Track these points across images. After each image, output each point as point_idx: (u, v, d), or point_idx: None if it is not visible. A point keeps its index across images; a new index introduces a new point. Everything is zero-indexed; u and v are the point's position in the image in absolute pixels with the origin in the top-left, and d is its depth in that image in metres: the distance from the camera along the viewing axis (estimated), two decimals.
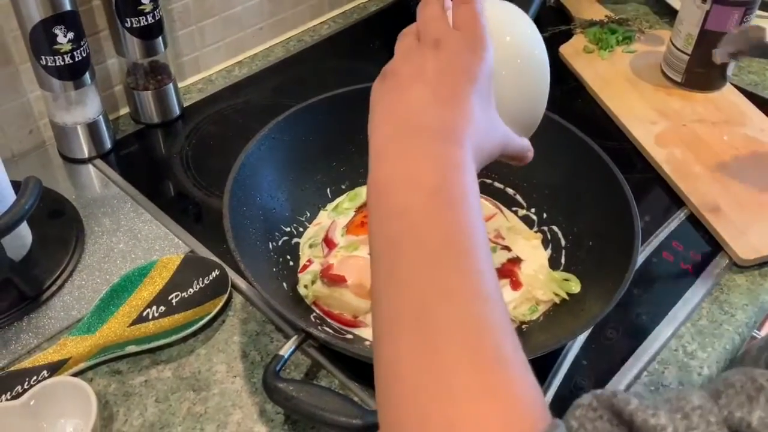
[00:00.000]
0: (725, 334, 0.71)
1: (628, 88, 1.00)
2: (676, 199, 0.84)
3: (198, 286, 0.71)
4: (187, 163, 0.87)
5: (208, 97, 0.98)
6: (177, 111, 0.93)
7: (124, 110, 0.94)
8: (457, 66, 0.45)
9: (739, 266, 0.77)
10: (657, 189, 0.86)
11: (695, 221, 0.81)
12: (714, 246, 0.78)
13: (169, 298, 0.70)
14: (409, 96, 0.45)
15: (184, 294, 0.70)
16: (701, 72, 0.97)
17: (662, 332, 0.70)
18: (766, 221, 0.80)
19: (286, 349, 0.56)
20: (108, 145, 0.87)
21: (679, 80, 0.99)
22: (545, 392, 0.63)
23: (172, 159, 0.88)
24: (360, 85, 0.80)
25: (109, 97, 0.92)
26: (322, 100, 0.78)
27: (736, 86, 0.99)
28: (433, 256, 0.38)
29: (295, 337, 0.57)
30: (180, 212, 0.81)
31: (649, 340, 0.69)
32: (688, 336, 0.70)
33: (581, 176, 0.75)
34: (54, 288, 0.71)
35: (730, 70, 0.97)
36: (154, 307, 0.69)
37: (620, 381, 0.66)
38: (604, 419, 0.32)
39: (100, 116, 0.85)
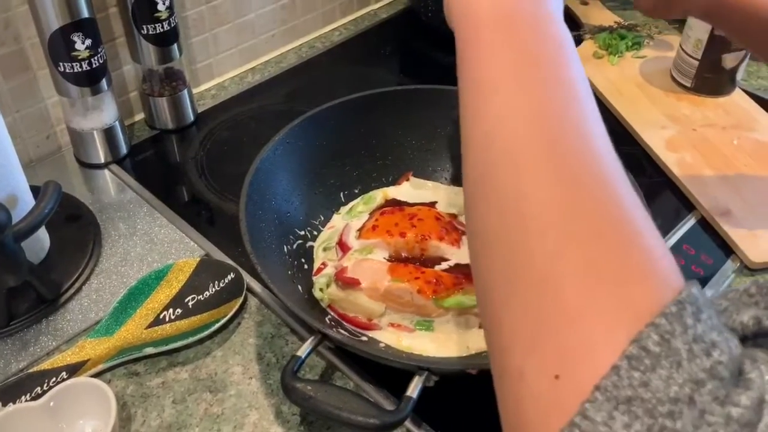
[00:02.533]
0: None
1: (638, 93, 1.00)
2: (686, 203, 0.84)
3: (214, 289, 0.72)
4: (201, 168, 0.88)
5: (222, 103, 0.99)
6: (191, 117, 0.94)
7: (140, 116, 0.95)
8: None
9: (750, 269, 0.77)
10: (668, 193, 0.86)
11: (706, 225, 0.82)
12: (725, 249, 0.79)
13: (186, 300, 0.71)
14: None
15: (200, 297, 0.71)
16: (711, 77, 0.97)
17: None
18: None
19: (303, 351, 0.57)
20: (124, 150, 0.88)
21: (688, 85, 0.99)
22: None
23: (186, 164, 0.89)
24: (371, 91, 0.82)
25: (125, 103, 0.93)
26: (335, 105, 0.79)
27: (745, 91, 1.00)
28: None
29: (312, 338, 0.58)
30: (195, 216, 0.82)
31: None
32: None
33: None
34: (72, 291, 0.72)
35: (740, 75, 0.98)
36: (171, 310, 0.70)
37: None
38: (760, 306, 0.30)
39: (116, 122, 0.86)
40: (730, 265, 0.77)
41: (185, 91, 0.92)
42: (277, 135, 0.75)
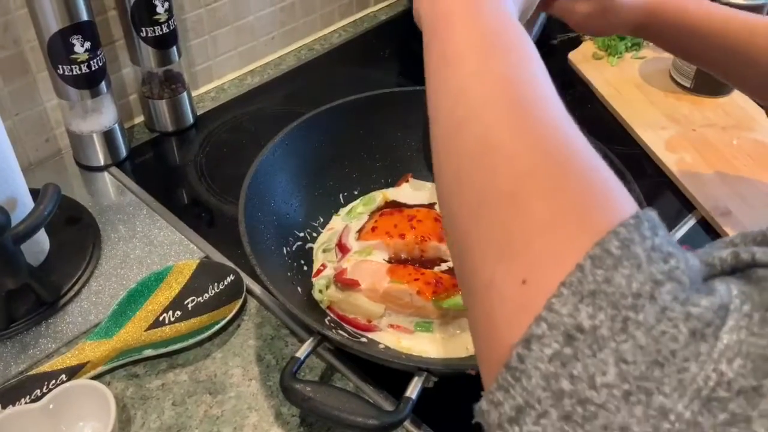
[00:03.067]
0: None
1: (638, 94, 1.00)
2: (686, 204, 0.84)
3: (213, 291, 0.72)
4: (201, 170, 0.88)
5: (221, 105, 0.99)
6: (191, 119, 0.94)
7: (139, 119, 0.95)
8: None
9: None
10: (667, 193, 0.86)
11: (706, 225, 0.82)
12: None
13: (185, 302, 0.71)
14: None
15: (200, 299, 0.71)
16: (710, 77, 0.97)
17: None
18: None
19: (302, 352, 0.57)
20: (123, 153, 0.89)
21: (688, 86, 0.99)
22: None
23: (186, 166, 0.89)
24: (370, 93, 0.82)
25: (125, 106, 0.93)
26: (334, 107, 0.79)
27: None
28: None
29: (311, 339, 0.58)
30: (194, 218, 0.82)
31: None
32: None
33: None
34: (72, 293, 0.72)
35: None
36: (171, 312, 0.70)
37: None
38: (739, 246, 0.32)
39: (116, 125, 0.86)
40: None
41: (184, 94, 0.92)
42: (276, 137, 0.75)
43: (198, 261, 0.74)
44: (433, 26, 0.45)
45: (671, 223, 0.82)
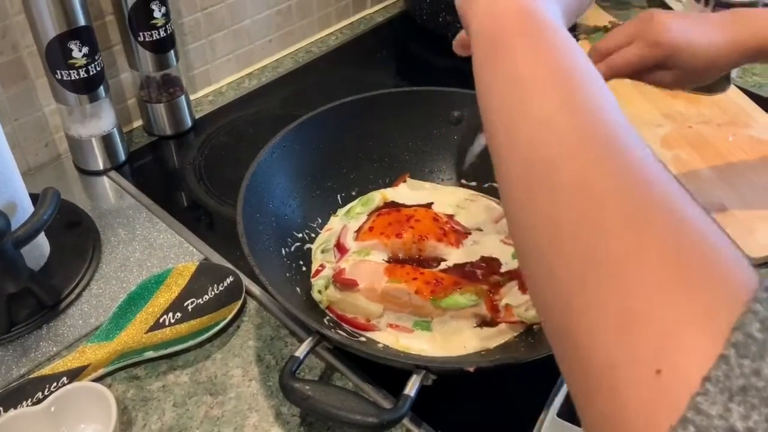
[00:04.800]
0: None
1: (633, 91, 1.00)
2: None
3: (213, 293, 0.72)
4: (199, 173, 0.89)
5: (219, 108, 1.00)
6: (189, 123, 0.95)
7: (138, 123, 0.96)
8: None
9: None
10: None
11: None
12: None
13: (185, 304, 0.71)
14: None
15: (200, 300, 0.71)
16: None
17: None
18: None
19: (301, 351, 0.57)
20: (122, 157, 0.89)
21: None
22: (555, 395, 0.64)
23: (185, 170, 0.90)
24: (367, 94, 0.82)
25: (123, 110, 0.94)
26: (331, 108, 0.80)
27: (740, 88, 1.00)
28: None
29: (310, 339, 0.58)
30: (194, 221, 0.82)
31: None
32: None
33: None
34: (72, 297, 0.73)
35: (735, 73, 0.98)
36: (171, 314, 0.70)
37: None
38: None
39: (114, 129, 0.87)
40: None
41: (182, 98, 0.92)
42: (274, 138, 0.75)
43: (197, 263, 0.75)
44: (491, 38, 0.43)
45: None
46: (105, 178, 0.88)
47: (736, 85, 1.00)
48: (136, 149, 0.93)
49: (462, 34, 0.62)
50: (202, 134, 0.95)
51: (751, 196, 0.83)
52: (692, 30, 0.69)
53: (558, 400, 0.64)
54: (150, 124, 0.94)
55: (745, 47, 0.69)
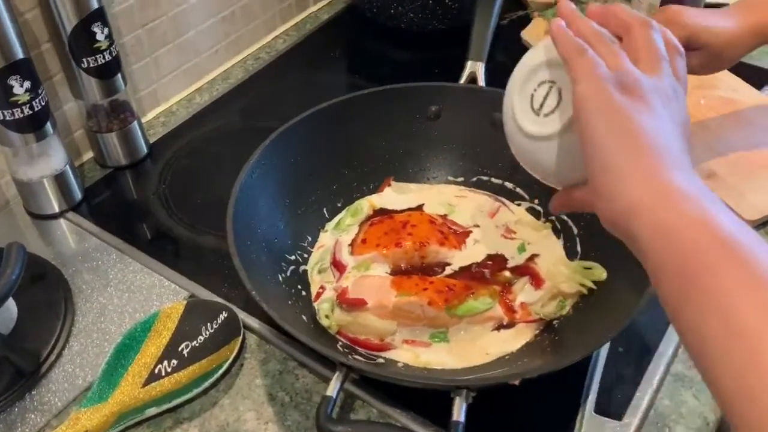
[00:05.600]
0: None
1: None
2: None
3: (208, 332, 0.67)
4: (166, 201, 0.82)
5: (174, 130, 0.93)
6: (145, 149, 0.88)
7: (88, 155, 0.88)
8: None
9: None
10: None
11: None
12: None
13: (180, 349, 0.65)
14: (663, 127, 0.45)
15: (195, 343, 0.66)
16: None
17: None
18: (760, 179, 0.80)
19: (332, 389, 0.52)
20: (78, 195, 0.82)
21: None
22: (588, 391, 0.62)
23: (149, 200, 0.83)
24: (338, 98, 0.78)
25: (71, 144, 0.86)
26: (304, 118, 0.75)
27: None
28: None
29: (337, 374, 0.54)
30: (170, 255, 0.76)
31: None
32: None
33: None
34: (52, 358, 0.66)
35: None
36: (166, 362, 0.64)
37: (660, 361, 0.65)
38: None
39: (67, 166, 0.79)
40: None
41: (135, 123, 0.85)
42: (251, 158, 0.70)
43: (184, 301, 0.69)
44: (682, 275, 0.39)
45: None
46: (62, 221, 0.81)
47: None
48: (91, 185, 0.85)
49: (562, 195, 0.55)
50: (161, 160, 0.88)
51: (734, 158, 0.83)
52: (709, 15, 0.74)
53: (592, 396, 0.62)
54: (102, 155, 0.86)
55: (763, 28, 0.74)
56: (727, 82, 0.94)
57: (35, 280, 0.72)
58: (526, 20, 1.09)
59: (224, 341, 0.66)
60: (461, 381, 0.56)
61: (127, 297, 0.72)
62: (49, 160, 0.78)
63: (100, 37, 0.76)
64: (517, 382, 0.52)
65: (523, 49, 1.06)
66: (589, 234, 0.71)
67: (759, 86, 0.94)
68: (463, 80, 0.82)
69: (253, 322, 0.69)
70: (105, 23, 0.75)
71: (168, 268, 0.74)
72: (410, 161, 0.80)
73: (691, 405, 0.62)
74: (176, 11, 0.92)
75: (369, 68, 1.04)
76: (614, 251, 0.67)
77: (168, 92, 0.97)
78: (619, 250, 0.67)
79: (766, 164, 0.81)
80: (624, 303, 0.60)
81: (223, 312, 0.68)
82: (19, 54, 0.68)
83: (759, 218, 0.76)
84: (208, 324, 0.67)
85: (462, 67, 0.86)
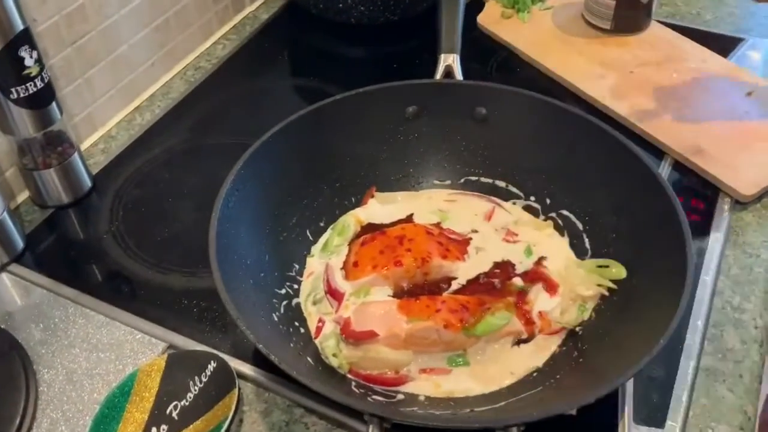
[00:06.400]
0: (759, 278, 0.68)
1: (561, 46, 0.95)
2: (654, 150, 0.80)
3: (197, 388, 0.59)
4: (122, 240, 0.73)
5: (117, 157, 0.83)
6: (89, 183, 0.78)
7: (22, 196, 0.78)
8: None
9: (741, 203, 0.75)
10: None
11: (682, 168, 0.78)
12: (712, 189, 0.76)
13: (168, 412, 0.57)
14: None
15: (184, 402, 0.58)
16: (629, 14, 0.94)
17: (703, 294, 0.66)
18: (749, 151, 0.78)
19: None
20: (20, 244, 0.71)
21: (608, 27, 0.95)
22: (624, 399, 0.57)
23: (102, 241, 0.73)
24: (308, 108, 0.71)
25: (2, 185, 0.75)
26: (274, 135, 0.68)
27: (660, 22, 0.98)
28: None
29: (371, 427, 0.47)
30: (138, 302, 0.67)
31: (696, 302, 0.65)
32: (729, 291, 0.67)
33: (575, 149, 0.69)
34: None
35: (655, 7, 0.95)
36: (155, 429, 0.56)
37: (689, 355, 0.61)
38: None
39: (4, 213, 0.69)
40: (722, 204, 0.74)
41: (75, 155, 0.75)
42: (225, 185, 0.62)
43: (165, 355, 0.61)
44: None
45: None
46: (4, 276, 0.70)
47: (656, 20, 0.97)
48: (32, 230, 0.75)
49: None
50: (108, 193, 0.79)
51: (719, 131, 0.80)
52: None
53: (628, 408, 0.57)
54: (40, 195, 0.76)
55: None
56: (694, 53, 0.92)
57: None
58: (481, 4, 1.04)
59: (218, 396, 0.58)
60: (512, 418, 0.50)
61: (95, 357, 0.63)
62: None
63: (29, 62, 0.66)
64: (574, 412, 0.47)
65: (481, 35, 1.02)
66: (595, 228, 0.67)
67: (725, 54, 0.93)
68: (438, 75, 0.76)
69: (246, 368, 0.61)
70: (33, 45, 0.65)
71: (137, 317, 0.66)
72: (392, 168, 0.74)
73: (729, 400, 0.59)
74: (106, 24, 0.82)
75: (322, 69, 0.96)
76: (629, 246, 0.64)
77: (105, 115, 0.87)
78: (636, 244, 0.63)
79: (754, 136, 0.79)
80: (652, 301, 0.56)
81: (212, 361, 0.60)
82: None
83: (757, 192, 0.74)
84: (196, 378, 0.59)
85: (425, 61, 0.80)
